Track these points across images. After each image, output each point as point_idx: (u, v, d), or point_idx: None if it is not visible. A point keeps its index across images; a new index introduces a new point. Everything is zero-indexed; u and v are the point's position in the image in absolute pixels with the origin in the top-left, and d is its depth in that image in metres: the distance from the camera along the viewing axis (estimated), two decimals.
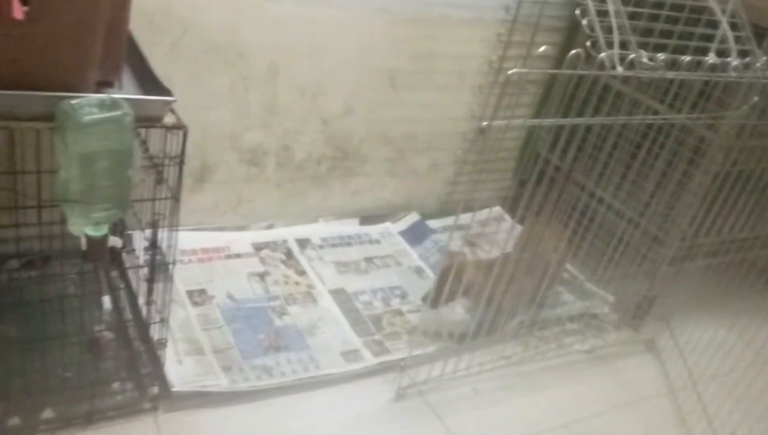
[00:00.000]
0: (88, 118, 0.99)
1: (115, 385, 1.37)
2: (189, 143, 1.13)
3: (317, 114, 1.90)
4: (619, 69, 1.36)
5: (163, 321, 1.32)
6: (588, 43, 1.36)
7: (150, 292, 1.34)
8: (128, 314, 1.53)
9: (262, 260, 1.86)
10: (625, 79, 1.88)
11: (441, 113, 2.08)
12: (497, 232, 2.05)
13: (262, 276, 1.80)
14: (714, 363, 1.86)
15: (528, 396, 1.66)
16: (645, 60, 1.39)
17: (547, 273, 1.74)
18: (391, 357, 1.64)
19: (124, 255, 1.62)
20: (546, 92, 2.19)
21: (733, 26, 1.55)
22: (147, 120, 1.11)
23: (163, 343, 1.35)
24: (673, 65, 1.44)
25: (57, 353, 1.38)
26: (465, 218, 1.87)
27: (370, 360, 1.62)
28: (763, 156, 1.93)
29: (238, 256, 1.85)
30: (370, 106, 1.96)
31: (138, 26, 1.21)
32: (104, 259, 1.23)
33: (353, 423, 1.48)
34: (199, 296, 1.67)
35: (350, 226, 2.09)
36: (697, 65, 1.47)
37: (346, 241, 2.03)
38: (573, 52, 1.31)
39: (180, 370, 1.44)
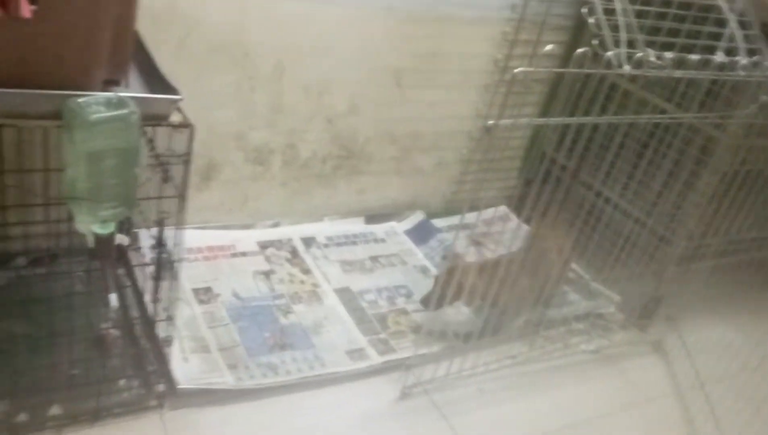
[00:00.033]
0: (95, 116, 0.99)
1: (122, 383, 1.38)
2: (195, 141, 1.14)
3: (322, 113, 1.90)
4: (627, 68, 1.36)
5: (169, 319, 1.33)
6: (595, 42, 1.36)
7: (156, 289, 1.34)
8: (134, 312, 1.53)
9: (268, 259, 1.86)
10: (633, 78, 1.88)
11: (446, 112, 2.08)
12: (503, 231, 2.05)
13: (267, 274, 1.80)
14: (722, 364, 1.85)
15: (534, 396, 1.66)
16: (652, 59, 1.39)
17: (551, 273, 1.74)
18: (396, 356, 1.63)
19: (130, 253, 1.62)
20: (552, 91, 2.18)
21: (742, 24, 1.54)
22: (153, 118, 1.11)
23: (169, 341, 1.36)
24: (680, 64, 1.43)
25: (64, 350, 1.38)
26: (470, 217, 1.88)
27: (375, 359, 1.62)
28: None
29: (243, 254, 1.85)
30: (375, 105, 1.96)
31: (144, 25, 1.21)
32: (111, 257, 1.23)
33: (358, 421, 1.48)
34: (204, 294, 1.68)
35: (355, 225, 2.10)
36: (705, 64, 1.47)
37: (351, 240, 2.03)
38: (580, 50, 1.30)
39: (186, 367, 1.45)
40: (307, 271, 1.85)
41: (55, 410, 1.29)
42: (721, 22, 1.55)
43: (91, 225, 1.10)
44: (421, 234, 2.12)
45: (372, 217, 2.13)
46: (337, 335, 1.66)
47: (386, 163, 2.09)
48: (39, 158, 1.36)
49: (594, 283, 2.02)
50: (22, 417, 1.26)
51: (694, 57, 1.44)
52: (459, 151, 2.18)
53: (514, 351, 1.70)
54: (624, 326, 1.94)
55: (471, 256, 1.93)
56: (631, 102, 1.89)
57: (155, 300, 1.35)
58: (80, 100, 1.00)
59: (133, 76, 1.17)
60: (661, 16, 1.64)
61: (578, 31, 2.07)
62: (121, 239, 1.21)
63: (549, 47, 1.38)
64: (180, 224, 1.21)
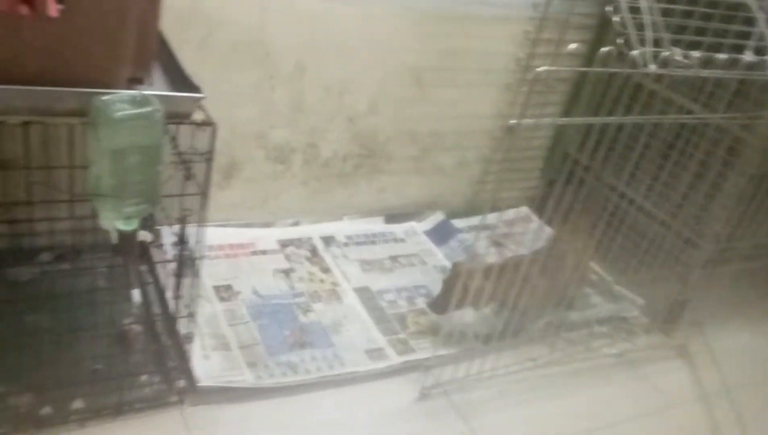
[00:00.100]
0: (119, 113, 1.00)
1: (143, 378, 1.39)
2: (217, 140, 1.14)
3: (343, 112, 1.90)
4: (652, 67, 1.34)
5: (191, 316, 1.34)
6: (620, 41, 1.34)
7: (178, 286, 1.35)
8: (156, 308, 1.54)
9: (288, 257, 1.87)
10: (658, 78, 1.85)
11: (467, 111, 2.07)
12: (524, 232, 2.04)
13: (287, 273, 1.80)
14: (748, 370, 1.82)
15: (554, 399, 1.64)
16: (679, 58, 1.37)
17: (571, 276, 1.72)
18: (415, 356, 1.63)
19: (153, 250, 1.64)
20: (575, 91, 2.16)
21: None
22: (176, 116, 1.12)
23: (190, 338, 1.37)
24: (708, 63, 1.41)
25: (87, 345, 1.40)
26: (491, 218, 1.87)
27: (394, 359, 1.62)
28: None
29: (263, 252, 1.86)
30: (396, 104, 1.96)
31: (168, 24, 1.22)
32: (134, 253, 1.25)
33: (377, 421, 1.48)
34: (225, 292, 1.69)
35: (375, 225, 2.09)
36: (733, 63, 1.44)
37: (371, 240, 2.02)
38: (604, 49, 1.29)
39: (206, 364, 1.45)
40: (326, 270, 1.85)
41: (78, 404, 1.30)
42: (750, 21, 1.52)
43: (114, 221, 1.11)
44: (441, 234, 2.11)
45: (392, 217, 2.13)
46: (356, 334, 1.66)
47: (406, 163, 2.09)
48: (64, 155, 1.38)
49: (617, 285, 2.00)
50: (47, 410, 1.28)
51: (722, 56, 1.41)
52: (480, 150, 2.17)
53: (534, 353, 1.68)
54: (648, 330, 1.91)
55: (492, 257, 1.92)
56: (657, 102, 1.87)
57: (177, 297, 1.36)
58: (105, 97, 1.01)
59: (157, 75, 1.18)
60: (688, 14, 1.61)
61: (602, 30, 2.05)
62: (144, 236, 1.22)
63: (572, 46, 1.37)
64: (202, 222, 1.22)
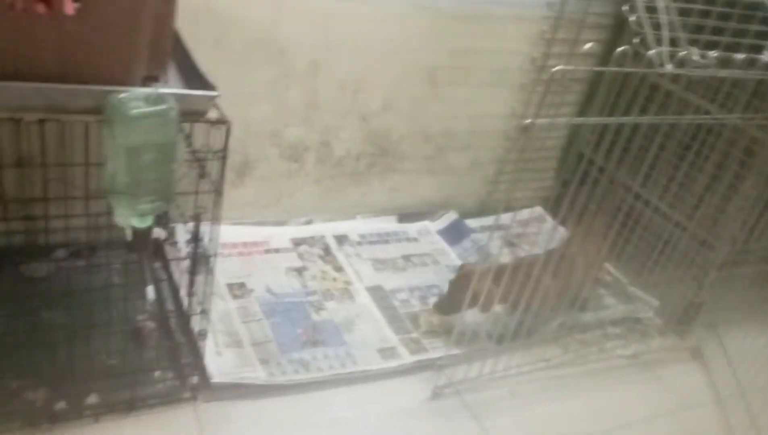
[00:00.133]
0: (134, 111, 1.00)
1: (157, 374, 1.40)
2: (231, 138, 1.15)
3: (357, 111, 1.90)
4: (669, 67, 1.33)
5: (204, 313, 1.34)
6: (636, 40, 1.33)
7: (191, 283, 1.35)
8: (170, 305, 1.55)
9: (301, 255, 1.87)
10: (674, 78, 1.84)
11: (481, 111, 2.06)
12: (538, 232, 2.03)
13: (300, 271, 1.81)
14: (764, 373, 1.80)
15: (567, 400, 1.63)
16: (696, 58, 1.35)
17: (584, 278, 1.71)
18: (427, 355, 1.63)
19: (167, 247, 1.65)
20: (590, 91, 2.15)
21: None
22: (191, 114, 1.12)
23: (203, 335, 1.37)
24: (725, 63, 1.40)
25: (101, 341, 1.41)
26: (505, 218, 1.86)
27: (406, 358, 1.62)
28: None
29: (276, 250, 1.86)
30: (409, 103, 1.96)
31: (183, 23, 1.23)
32: (148, 250, 1.25)
33: (389, 420, 1.48)
34: (238, 289, 1.69)
35: (388, 224, 2.09)
36: (751, 63, 1.43)
37: (383, 239, 2.03)
38: (620, 48, 1.28)
39: (219, 361, 1.46)
40: (339, 269, 1.86)
41: (92, 399, 1.31)
42: None
43: (129, 218, 1.12)
44: (454, 234, 2.11)
45: (405, 216, 2.13)
46: (368, 333, 1.66)
47: (420, 162, 2.09)
48: (80, 153, 1.39)
49: (632, 287, 1.99)
50: (61, 405, 1.29)
51: (740, 56, 1.40)
52: (494, 150, 2.16)
53: (547, 354, 1.68)
54: (662, 332, 1.90)
55: (504, 258, 1.91)
56: (673, 102, 1.86)
57: (190, 294, 1.37)
58: (120, 95, 1.02)
59: (172, 73, 1.19)
60: (705, 14, 1.60)
61: (618, 30, 2.04)
62: (159, 233, 1.23)
63: (588, 45, 1.36)
64: (216, 220, 1.23)
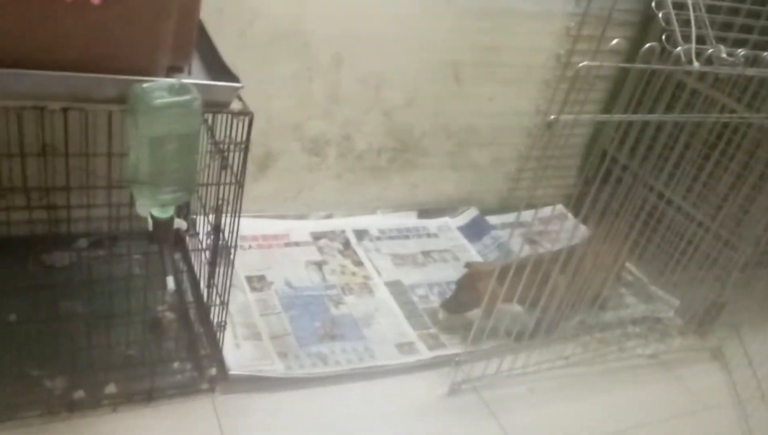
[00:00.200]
0: (158, 101, 1.00)
1: (175, 365, 1.40)
2: (253, 131, 1.14)
3: (379, 105, 1.90)
4: (696, 64, 1.31)
5: (223, 304, 1.34)
6: (663, 37, 1.31)
7: (211, 275, 1.36)
8: (190, 296, 1.55)
9: (320, 249, 1.87)
10: (701, 76, 1.82)
11: (505, 107, 2.05)
12: (559, 230, 2.01)
13: (319, 265, 1.81)
14: None
15: (586, 398, 1.62)
16: (724, 55, 1.33)
17: (604, 277, 1.69)
18: (446, 351, 1.62)
19: (188, 238, 1.65)
20: (615, 89, 2.13)
21: None
22: (214, 105, 1.12)
23: (222, 326, 1.37)
24: (753, 62, 1.38)
25: (121, 331, 1.42)
26: (526, 215, 1.85)
27: (424, 353, 1.61)
28: None
29: (296, 244, 1.87)
30: (432, 99, 1.95)
31: (208, 14, 1.23)
32: (169, 241, 1.25)
33: (406, 415, 1.47)
34: (258, 282, 1.69)
35: (408, 219, 2.09)
36: None
37: (403, 234, 2.02)
38: (647, 45, 1.26)
39: (237, 353, 1.46)
40: (358, 263, 1.85)
41: (111, 388, 1.32)
42: None
43: (151, 209, 1.12)
44: (474, 230, 2.10)
45: (425, 212, 2.12)
46: (387, 328, 1.66)
47: (441, 158, 2.08)
48: (103, 143, 1.39)
49: (653, 286, 1.97)
50: (80, 394, 1.30)
51: None
52: (516, 147, 2.15)
53: (567, 352, 1.66)
54: (683, 332, 1.88)
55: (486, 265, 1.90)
56: (698, 101, 1.83)
57: (210, 285, 1.37)
58: (145, 85, 1.02)
59: (196, 64, 1.19)
60: (734, 11, 1.58)
61: (645, 27, 2.02)
62: (180, 224, 1.23)
63: (615, 41, 1.34)
64: (236, 211, 1.23)
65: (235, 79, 1.13)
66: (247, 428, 1.35)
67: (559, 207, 2.18)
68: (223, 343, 1.40)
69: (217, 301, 1.35)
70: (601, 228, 1.73)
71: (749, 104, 1.81)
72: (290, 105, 1.79)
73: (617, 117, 1.57)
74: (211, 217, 1.30)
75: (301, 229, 1.92)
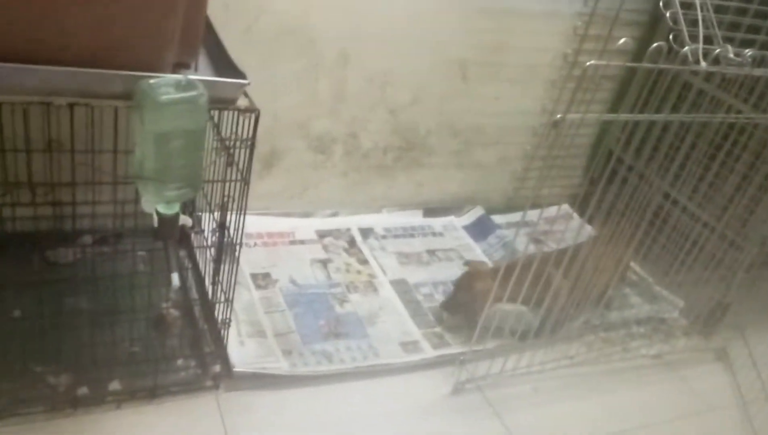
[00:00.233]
0: (164, 97, 1.00)
1: (179, 362, 1.40)
2: (259, 128, 1.14)
3: (385, 103, 1.89)
4: (703, 64, 1.30)
5: (228, 302, 1.34)
6: (670, 37, 1.31)
7: (216, 272, 1.36)
8: (194, 293, 1.55)
9: (325, 247, 1.87)
10: (708, 77, 1.81)
11: (511, 107, 2.05)
12: (565, 230, 2.00)
13: (324, 263, 1.81)
14: None
15: (590, 398, 1.62)
16: (731, 56, 1.33)
17: (609, 277, 1.69)
18: (450, 350, 1.62)
19: (192, 235, 1.65)
20: (621, 89, 2.13)
21: None
22: (221, 102, 1.12)
23: (226, 324, 1.37)
24: (761, 62, 1.37)
25: (125, 327, 1.42)
26: (532, 215, 1.85)
27: (429, 352, 1.61)
28: None
29: (302, 242, 1.87)
30: (438, 97, 1.95)
31: (214, 10, 1.22)
32: (174, 237, 1.25)
33: (410, 414, 1.47)
34: (263, 280, 1.69)
35: (414, 218, 2.09)
36: None
37: (409, 233, 2.02)
38: (655, 45, 1.26)
39: (242, 351, 1.46)
40: (363, 262, 1.85)
41: (114, 385, 1.32)
42: None
43: (156, 205, 1.12)
44: (480, 229, 2.09)
45: (430, 211, 2.12)
46: (391, 326, 1.66)
47: (447, 157, 2.08)
48: (109, 139, 1.39)
49: (657, 286, 1.97)
50: (83, 390, 1.30)
51: None
52: (522, 146, 2.15)
53: (571, 351, 1.66)
54: (687, 332, 1.88)
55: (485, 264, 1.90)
56: (705, 101, 1.83)
57: (215, 283, 1.37)
58: (151, 81, 1.02)
59: (202, 60, 1.19)
60: (742, 11, 1.57)
61: (652, 27, 2.01)
62: (185, 221, 1.23)
63: (622, 41, 1.34)
64: (242, 209, 1.23)
65: (241, 75, 1.13)
66: (251, 425, 1.35)
67: (565, 207, 2.18)
68: (227, 341, 1.40)
69: (222, 299, 1.35)
70: (606, 228, 1.72)
71: (756, 105, 1.80)
72: (296, 102, 1.79)
73: (624, 116, 1.56)
74: (217, 214, 1.30)
75: (307, 227, 1.92)
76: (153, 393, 1.33)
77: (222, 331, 1.39)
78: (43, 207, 1.52)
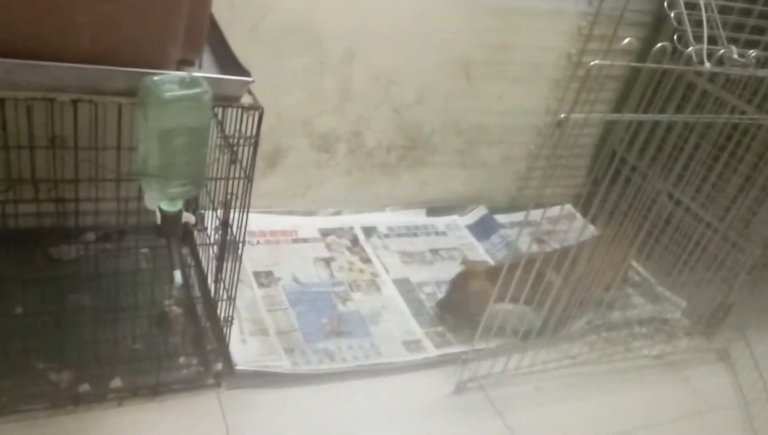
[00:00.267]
0: (168, 94, 1.00)
1: (181, 360, 1.40)
2: (263, 126, 1.14)
3: (390, 102, 1.89)
4: (707, 65, 1.30)
5: (230, 300, 1.34)
6: (675, 37, 1.31)
7: (219, 270, 1.36)
8: (197, 291, 1.55)
9: (328, 246, 1.87)
10: (712, 77, 1.81)
11: (515, 106, 2.04)
12: (568, 230, 2.00)
13: (327, 261, 1.81)
14: None
15: (592, 398, 1.62)
16: (735, 56, 1.32)
17: (610, 277, 1.69)
18: (452, 350, 1.62)
19: (195, 233, 1.65)
20: (625, 89, 2.12)
21: None
22: (225, 99, 1.12)
23: (229, 322, 1.37)
24: (765, 63, 1.37)
25: (127, 325, 1.41)
26: (535, 214, 1.85)
27: (431, 351, 1.61)
28: None
29: (305, 240, 1.86)
30: (443, 96, 1.94)
31: (219, 8, 1.22)
32: (177, 235, 1.25)
33: (412, 413, 1.47)
34: (265, 278, 1.69)
35: (417, 217, 2.08)
36: None
37: (412, 232, 2.02)
38: (659, 45, 1.25)
39: (244, 349, 1.46)
40: (366, 260, 1.85)
41: (116, 382, 1.32)
42: None
43: (159, 202, 1.12)
44: (483, 229, 2.09)
45: (434, 210, 2.12)
46: (394, 325, 1.66)
47: (451, 156, 2.07)
48: (112, 136, 1.39)
49: (660, 287, 1.96)
50: (85, 387, 1.30)
51: None
52: (526, 146, 2.15)
53: (573, 351, 1.66)
54: (689, 333, 1.88)
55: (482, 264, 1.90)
56: (708, 102, 1.82)
57: (217, 280, 1.37)
58: (155, 78, 1.02)
59: (207, 57, 1.18)
60: (746, 12, 1.57)
61: (657, 27, 2.01)
62: (188, 218, 1.23)
63: (627, 40, 1.33)
64: (245, 207, 1.22)
65: (245, 73, 1.13)
66: (253, 424, 1.35)
67: (568, 207, 2.18)
68: (229, 339, 1.40)
69: (224, 296, 1.35)
70: (609, 228, 1.72)
71: (760, 106, 1.80)
72: (300, 100, 1.79)
73: (628, 116, 1.56)
74: (220, 211, 1.30)
75: (310, 225, 1.92)
76: (155, 391, 1.33)
77: (224, 329, 1.39)
78: (46, 204, 1.52)
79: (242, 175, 1.19)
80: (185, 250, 1.65)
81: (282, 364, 1.46)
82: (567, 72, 2.02)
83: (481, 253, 1.99)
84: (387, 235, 1.97)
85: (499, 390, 1.56)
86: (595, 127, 2.17)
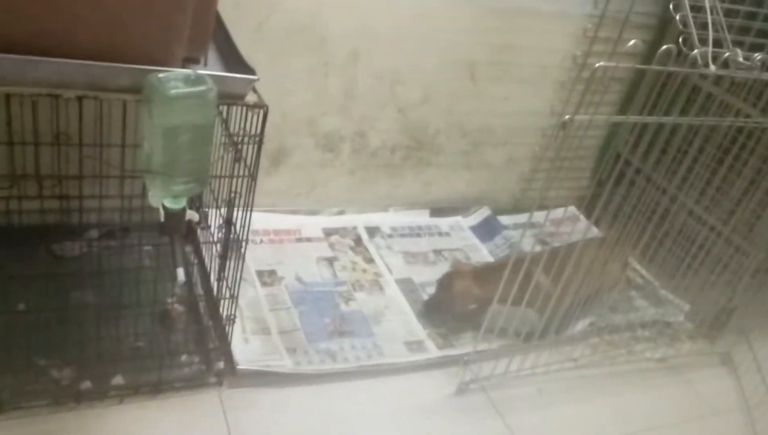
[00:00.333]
0: (173, 91, 1.00)
1: (183, 358, 1.40)
2: (267, 125, 1.14)
3: (394, 102, 1.89)
4: (712, 67, 1.30)
5: (233, 298, 1.34)
6: (680, 39, 1.30)
7: (222, 268, 1.36)
8: (199, 289, 1.55)
9: (332, 245, 1.87)
10: (717, 80, 1.81)
11: (520, 107, 2.04)
12: (571, 232, 2.00)
13: (330, 261, 1.81)
14: None
15: (594, 401, 1.62)
16: (740, 59, 1.32)
17: (608, 280, 1.69)
18: (455, 351, 1.62)
19: (199, 231, 1.65)
20: (630, 91, 2.12)
21: None
22: (229, 97, 1.12)
23: (231, 320, 1.37)
24: None
25: (130, 322, 1.41)
26: (538, 216, 1.84)
27: (433, 352, 1.61)
28: None
29: (308, 239, 1.86)
30: (447, 97, 1.94)
31: (225, 6, 1.22)
32: (181, 233, 1.25)
33: (413, 414, 1.47)
34: (268, 277, 1.69)
35: (420, 217, 2.08)
36: None
37: (415, 232, 2.02)
38: (664, 47, 1.25)
39: (246, 348, 1.46)
40: (369, 260, 1.85)
41: (118, 380, 1.32)
42: None
43: (163, 199, 1.11)
44: (486, 230, 2.09)
45: (437, 210, 2.12)
46: (397, 326, 1.65)
47: (455, 157, 2.07)
48: (116, 133, 1.39)
49: (663, 290, 1.96)
50: (87, 385, 1.30)
51: None
52: (531, 147, 2.14)
53: (576, 353, 1.66)
54: (692, 336, 1.87)
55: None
56: (713, 105, 1.82)
57: (220, 279, 1.37)
58: (160, 75, 1.01)
59: (212, 56, 1.18)
60: (752, 15, 1.57)
61: (662, 30, 2.00)
62: (191, 216, 1.23)
63: (632, 42, 1.33)
64: (249, 205, 1.22)
65: (250, 71, 1.13)
66: (254, 423, 1.35)
67: (572, 208, 2.17)
68: (231, 337, 1.40)
69: (227, 295, 1.35)
70: (613, 230, 1.72)
71: (764, 109, 1.80)
72: (305, 100, 1.79)
73: (632, 118, 1.56)
74: (223, 210, 1.30)
75: (313, 224, 1.92)
76: (156, 388, 1.33)
77: (226, 328, 1.39)
78: (50, 200, 1.52)
79: (246, 173, 1.19)
80: (188, 248, 1.65)
81: (284, 363, 1.46)
82: (572, 74, 2.02)
83: (484, 254, 1.99)
84: (390, 236, 1.97)
85: (501, 391, 1.56)
86: (599, 129, 2.17)
